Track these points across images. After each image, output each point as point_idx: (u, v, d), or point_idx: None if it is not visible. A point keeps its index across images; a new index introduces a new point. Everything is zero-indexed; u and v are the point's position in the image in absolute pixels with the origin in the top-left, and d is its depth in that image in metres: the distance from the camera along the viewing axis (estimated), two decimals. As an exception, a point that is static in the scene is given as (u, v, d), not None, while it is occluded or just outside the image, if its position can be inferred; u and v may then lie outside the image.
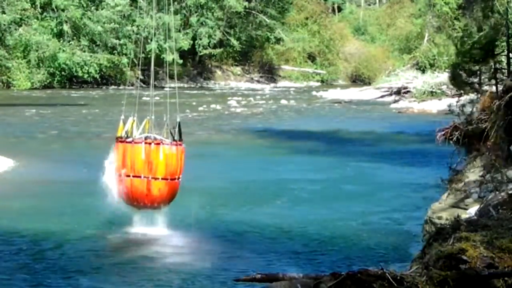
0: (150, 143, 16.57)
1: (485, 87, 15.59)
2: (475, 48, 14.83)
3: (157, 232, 16.71)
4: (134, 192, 16.58)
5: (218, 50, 73.80)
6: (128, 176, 16.56)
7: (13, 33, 61.56)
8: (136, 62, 69.11)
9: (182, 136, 16.82)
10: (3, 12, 60.93)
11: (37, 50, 62.44)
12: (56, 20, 65.73)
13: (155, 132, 17.05)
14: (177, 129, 16.71)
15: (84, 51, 64.32)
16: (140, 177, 16.48)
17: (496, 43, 14.93)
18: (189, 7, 72.92)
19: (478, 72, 15.33)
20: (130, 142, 16.73)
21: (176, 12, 70.84)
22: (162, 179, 16.46)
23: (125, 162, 16.64)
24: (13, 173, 23.71)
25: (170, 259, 14.81)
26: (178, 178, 16.67)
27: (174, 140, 16.72)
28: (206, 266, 14.24)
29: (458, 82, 15.64)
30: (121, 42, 66.61)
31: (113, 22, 65.79)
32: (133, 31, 68.02)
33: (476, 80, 15.55)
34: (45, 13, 65.51)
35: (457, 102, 16.20)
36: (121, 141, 16.88)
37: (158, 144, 16.54)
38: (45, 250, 15.12)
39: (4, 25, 60.74)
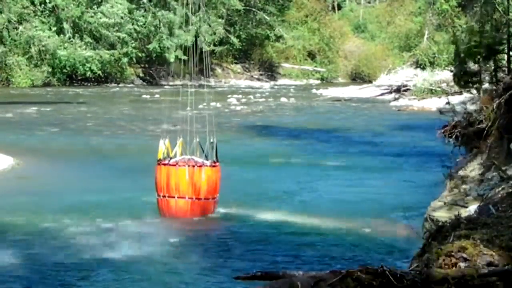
0: (193, 166, 17.53)
1: (486, 85, 15.62)
2: (477, 47, 14.85)
3: (157, 231, 16.74)
4: (179, 212, 17.63)
5: (221, 48, 73.71)
6: (173, 197, 17.53)
7: (11, 30, 61.52)
8: (135, 60, 69.20)
9: (218, 157, 17.87)
10: (1, 12, 60.92)
11: (38, 45, 62.40)
12: (56, 18, 65.72)
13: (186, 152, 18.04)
14: (214, 150, 17.76)
15: (85, 49, 64.28)
16: (184, 198, 17.52)
17: (497, 41, 14.95)
18: (192, 5, 72.83)
19: (479, 71, 15.34)
20: (174, 165, 17.60)
21: (178, 5, 70.72)
22: (204, 199, 17.61)
23: (170, 184, 17.52)
24: (13, 171, 23.72)
25: (170, 258, 14.81)
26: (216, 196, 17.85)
27: (212, 160, 17.78)
28: (207, 264, 14.24)
29: (462, 82, 15.66)
30: (122, 39, 66.54)
31: (114, 17, 65.66)
32: (135, 29, 68.02)
33: (477, 78, 15.58)
34: (45, 11, 65.46)
35: (447, 103, 16.22)
36: (164, 164, 17.69)
37: (201, 166, 17.54)
38: (45, 248, 15.12)
39: (4, 22, 60.72)
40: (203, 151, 17.93)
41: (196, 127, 18.74)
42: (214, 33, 72.15)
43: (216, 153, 17.79)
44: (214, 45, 72.96)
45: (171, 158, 17.77)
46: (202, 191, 17.54)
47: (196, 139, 18.06)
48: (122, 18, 66.44)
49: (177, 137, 18.27)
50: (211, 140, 17.85)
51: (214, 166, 17.72)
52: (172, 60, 70.06)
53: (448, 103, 16.02)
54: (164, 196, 17.63)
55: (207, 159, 17.77)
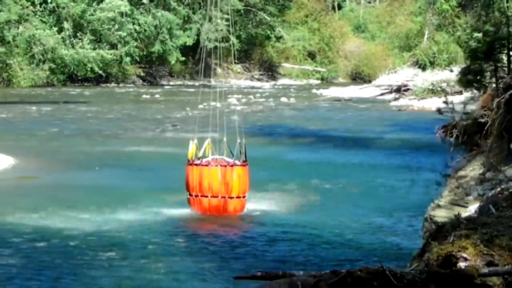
0: (225, 166, 18.12)
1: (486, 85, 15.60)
2: (477, 46, 14.84)
3: (156, 231, 16.73)
4: (212, 210, 18.16)
5: (225, 44, 73.61)
6: (206, 196, 18.05)
7: (12, 29, 61.53)
8: (138, 60, 69.19)
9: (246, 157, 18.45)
10: (1, 11, 60.93)
11: (39, 45, 62.37)
12: (57, 18, 65.73)
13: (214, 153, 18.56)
14: (243, 150, 18.41)
15: (86, 49, 64.24)
16: (217, 197, 18.06)
17: (497, 41, 14.94)
18: (192, 4, 72.78)
19: (480, 70, 15.33)
20: (206, 165, 18.14)
21: (178, 5, 70.74)
22: (236, 197, 18.18)
23: (202, 183, 18.06)
24: (13, 171, 23.71)
25: (170, 258, 14.80)
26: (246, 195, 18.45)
27: (243, 160, 18.41)
28: (207, 265, 14.24)
29: (466, 82, 15.65)
30: (123, 38, 66.52)
31: (115, 11, 65.60)
32: (135, 29, 68.00)
33: (479, 78, 15.56)
34: (45, 11, 65.46)
35: (447, 101, 16.20)
36: (196, 165, 18.22)
37: (232, 166, 18.14)
38: (44, 248, 15.11)
39: (3, 23, 60.71)
40: (231, 151, 18.56)
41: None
42: (217, 31, 72.05)
43: (245, 153, 18.39)
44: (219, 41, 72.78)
45: (199, 158, 18.30)
46: (234, 189, 18.14)
47: (224, 139, 18.63)
48: (122, 15, 66.39)
49: (201, 138, 18.78)
50: (239, 141, 18.47)
51: (244, 165, 18.35)
52: (173, 61, 70.09)
53: (446, 102, 15.98)
54: (196, 196, 18.18)
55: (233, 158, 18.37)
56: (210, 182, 18.09)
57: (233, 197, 18.19)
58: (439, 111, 15.26)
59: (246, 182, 18.38)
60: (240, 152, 18.46)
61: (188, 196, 18.35)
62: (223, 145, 18.62)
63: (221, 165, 18.16)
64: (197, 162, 18.25)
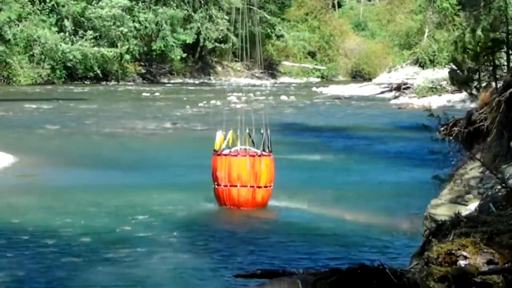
0: (253, 156, 18.52)
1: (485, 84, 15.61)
2: (474, 45, 14.85)
3: (156, 231, 16.73)
4: (241, 200, 18.48)
5: (225, 45, 73.73)
6: (235, 186, 18.38)
7: (13, 28, 61.54)
8: (139, 57, 69.17)
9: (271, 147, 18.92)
10: (1, 9, 60.94)
11: (39, 44, 62.40)
12: (57, 16, 65.72)
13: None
14: (268, 141, 18.82)
15: (86, 46, 64.22)
16: (246, 186, 18.40)
17: (495, 40, 14.95)
18: (193, 2, 72.75)
19: (478, 69, 15.34)
20: (235, 155, 18.49)
21: (177, 6, 70.75)
22: (264, 187, 18.56)
23: (231, 174, 18.38)
24: (13, 169, 23.71)
25: (170, 257, 14.80)
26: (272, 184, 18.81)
27: (265, 151, 18.81)
28: (207, 263, 14.24)
29: (459, 82, 15.66)
30: (124, 34, 66.52)
31: (115, 9, 65.60)
32: (135, 27, 67.99)
33: (476, 77, 15.56)
34: (45, 9, 65.43)
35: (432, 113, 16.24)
36: (225, 155, 18.55)
37: (260, 156, 18.57)
38: (44, 247, 15.11)
39: (3, 21, 60.70)
40: (253, 142, 18.93)
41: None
42: (217, 30, 72.08)
43: (270, 143, 18.79)
44: (220, 42, 72.75)
45: (223, 149, 18.62)
46: (262, 179, 18.49)
47: (246, 130, 19.03)
48: (123, 10, 66.35)
49: (224, 129, 19.09)
50: (262, 132, 18.88)
51: (270, 155, 18.75)
52: (177, 58, 70.12)
53: (432, 115, 15.98)
54: (225, 186, 18.44)
55: (257, 149, 18.74)
56: (239, 172, 18.40)
57: (261, 187, 18.53)
58: (425, 126, 15.37)
59: (272, 172, 18.74)
60: (264, 143, 18.77)
61: (216, 187, 18.57)
62: (246, 136, 18.92)
63: (249, 155, 18.48)
64: (226, 152, 18.52)
